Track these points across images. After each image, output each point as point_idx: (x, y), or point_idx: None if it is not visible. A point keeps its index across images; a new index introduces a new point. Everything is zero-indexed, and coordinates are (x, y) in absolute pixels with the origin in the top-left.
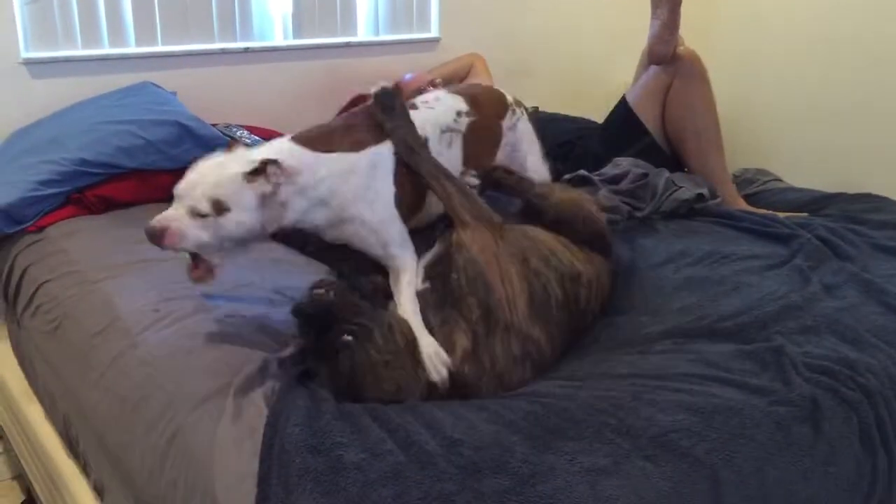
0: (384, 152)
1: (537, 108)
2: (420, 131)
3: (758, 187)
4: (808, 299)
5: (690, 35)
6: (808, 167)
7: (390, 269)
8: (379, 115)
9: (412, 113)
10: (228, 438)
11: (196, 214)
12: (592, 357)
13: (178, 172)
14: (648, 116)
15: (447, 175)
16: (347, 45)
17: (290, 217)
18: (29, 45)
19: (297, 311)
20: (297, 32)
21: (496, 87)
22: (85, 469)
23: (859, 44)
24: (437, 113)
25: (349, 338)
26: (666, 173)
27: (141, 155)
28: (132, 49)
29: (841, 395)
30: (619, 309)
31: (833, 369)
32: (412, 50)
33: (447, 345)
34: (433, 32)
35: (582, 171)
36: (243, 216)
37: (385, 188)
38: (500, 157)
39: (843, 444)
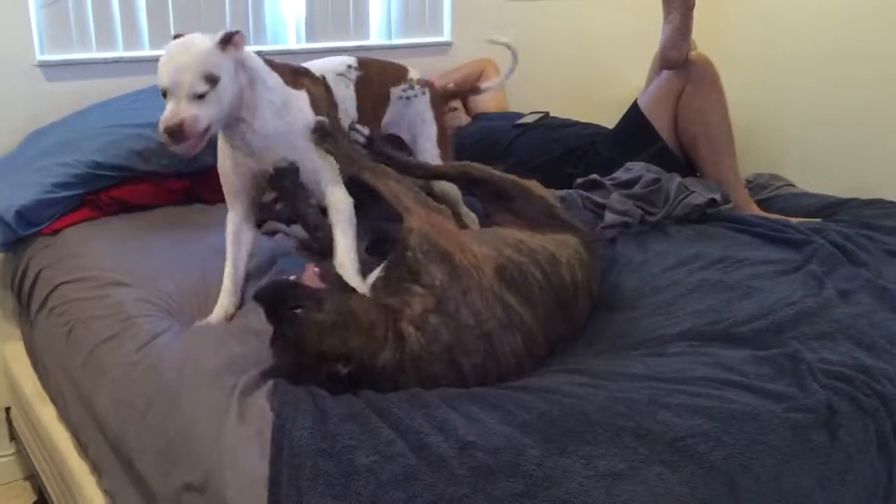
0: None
1: (548, 112)
2: (318, 73)
3: (770, 192)
4: (822, 305)
5: (702, 40)
6: (821, 172)
7: (328, 207)
8: (317, 139)
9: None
10: (235, 442)
11: (196, 96)
12: (608, 354)
13: (191, 176)
14: (660, 121)
15: (390, 175)
16: (360, 48)
17: (251, 106)
18: (44, 48)
19: (258, 297)
20: (311, 35)
21: (506, 92)
22: (97, 471)
23: (872, 48)
24: (332, 62)
25: (298, 310)
26: (678, 178)
27: (154, 158)
28: (146, 52)
29: (858, 402)
30: (633, 306)
31: (849, 376)
32: (424, 54)
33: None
34: (445, 36)
35: (594, 176)
36: (229, 82)
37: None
38: (398, 130)
39: (859, 451)
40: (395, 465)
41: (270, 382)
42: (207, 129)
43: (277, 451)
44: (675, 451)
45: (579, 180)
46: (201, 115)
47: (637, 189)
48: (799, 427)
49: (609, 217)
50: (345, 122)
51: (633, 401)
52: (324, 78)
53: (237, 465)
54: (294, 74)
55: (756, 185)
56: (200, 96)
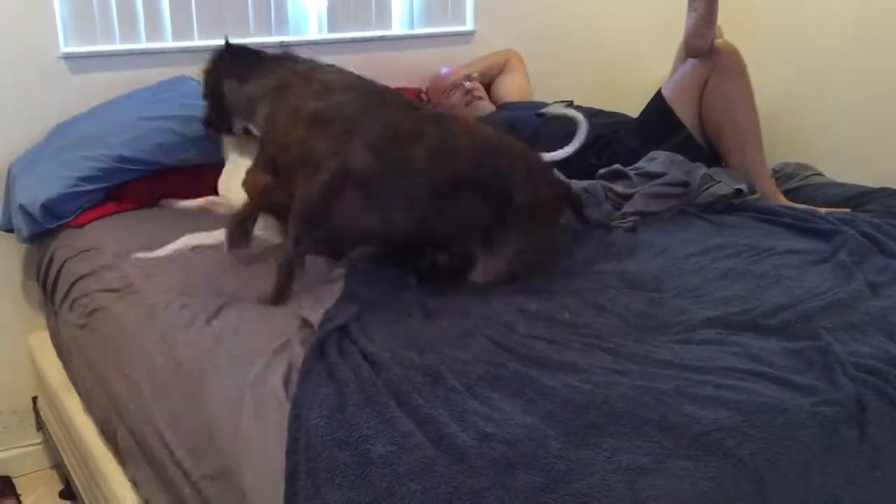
0: None
1: (572, 101)
2: None
3: (798, 182)
4: (853, 296)
5: (729, 27)
6: (850, 161)
7: None
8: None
9: None
10: (251, 433)
11: None
12: (635, 334)
13: (215, 168)
14: (685, 111)
15: None
16: (382, 38)
17: None
18: (68, 40)
19: None
20: (332, 26)
21: (531, 81)
22: (122, 461)
23: None
24: None
25: None
26: (703, 168)
27: (179, 152)
28: (169, 43)
29: (888, 397)
30: (657, 288)
31: (880, 369)
32: (447, 43)
33: None
34: (468, 26)
35: (617, 166)
36: None
37: None
38: None
39: (889, 448)
40: (413, 457)
41: (285, 366)
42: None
43: (294, 441)
44: (700, 446)
45: (602, 170)
46: None
47: (659, 187)
48: (828, 422)
49: (627, 208)
50: None
51: (658, 391)
52: None
53: (254, 456)
54: None
55: (783, 175)
56: None
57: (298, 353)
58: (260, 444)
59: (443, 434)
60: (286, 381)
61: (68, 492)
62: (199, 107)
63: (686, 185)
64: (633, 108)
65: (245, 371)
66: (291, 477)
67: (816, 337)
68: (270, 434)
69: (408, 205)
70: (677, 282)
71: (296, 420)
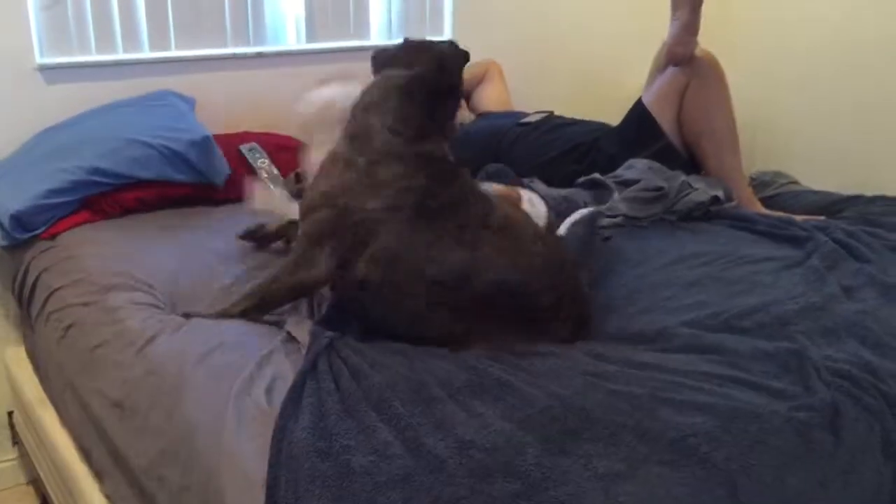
0: None
1: (552, 111)
2: None
3: (775, 190)
4: (826, 300)
5: (707, 36)
6: (826, 169)
7: None
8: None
9: None
10: (234, 444)
11: None
12: (611, 344)
13: (192, 185)
14: (664, 118)
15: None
16: (361, 48)
17: None
18: (44, 51)
19: None
20: (311, 36)
21: (510, 90)
22: (98, 475)
23: (878, 45)
24: None
25: None
26: (682, 176)
27: (155, 166)
28: (146, 54)
29: (863, 403)
30: (631, 302)
31: (855, 375)
32: None
33: None
34: (446, 35)
35: (595, 175)
36: None
37: None
38: None
39: (864, 452)
40: (392, 466)
41: (269, 378)
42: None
43: (277, 451)
44: (675, 451)
45: (581, 179)
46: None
47: (636, 192)
48: (802, 427)
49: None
50: None
51: (634, 396)
52: None
53: (236, 466)
54: None
55: (760, 183)
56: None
57: (284, 365)
58: (242, 455)
59: (421, 442)
60: (269, 393)
61: None
62: (177, 125)
63: (660, 188)
64: (613, 116)
65: (228, 383)
66: (272, 488)
67: (791, 340)
68: (252, 445)
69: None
70: (650, 295)
71: (280, 431)
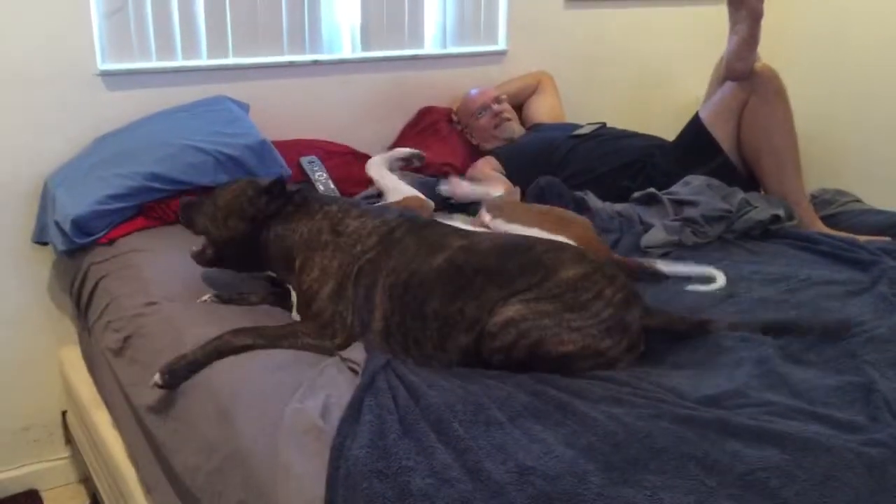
0: None
1: (605, 123)
2: None
3: (836, 208)
4: (894, 331)
5: (765, 50)
6: (890, 188)
7: None
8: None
9: None
10: (289, 462)
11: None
12: (671, 369)
13: None
14: (723, 134)
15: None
16: (415, 57)
17: None
18: (105, 57)
19: None
20: (366, 45)
21: (562, 102)
22: (147, 488)
23: None
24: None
25: None
26: (740, 193)
27: (210, 173)
28: (204, 61)
29: None
30: None
31: None
32: (479, 63)
33: None
34: (500, 45)
35: (651, 190)
36: None
37: None
38: None
39: None
40: (452, 490)
41: (323, 395)
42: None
43: (334, 470)
44: (744, 486)
45: (636, 194)
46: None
47: (695, 213)
48: (874, 463)
49: (654, 237)
50: None
51: (700, 425)
52: None
53: (292, 484)
54: None
55: (821, 201)
56: None
57: (337, 383)
58: (298, 473)
59: (481, 467)
60: (325, 410)
61: None
62: (233, 131)
63: (728, 211)
64: (666, 129)
65: (281, 400)
66: None
67: (859, 373)
68: (309, 463)
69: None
70: (711, 312)
71: (338, 449)
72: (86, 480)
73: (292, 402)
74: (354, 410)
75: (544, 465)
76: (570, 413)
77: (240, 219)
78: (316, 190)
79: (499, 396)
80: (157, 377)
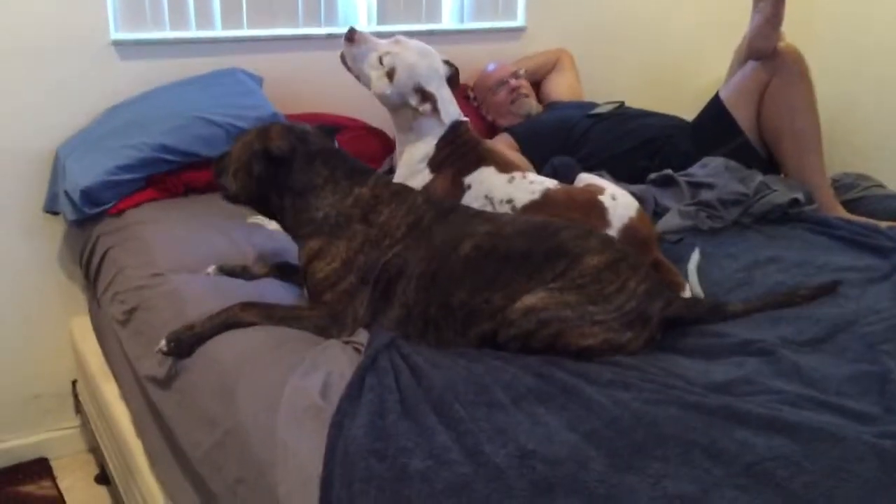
0: (420, 182)
1: (623, 102)
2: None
3: (857, 193)
4: None
5: (790, 29)
6: None
7: None
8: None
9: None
10: (288, 439)
11: (378, 60)
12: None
13: None
14: (743, 115)
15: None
16: (431, 32)
17: (398, 120)
18: (118, 26)
19: None
20: (382, 19)
21: (581, 79)
22: (151, 459)
23: None
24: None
25: None
26: (759, 175)
27: (220, 145)
28: (218, 32)
29: None
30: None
31: None
32: (497, 39)
33: None
34: (519, 21)
35: (668, 171)
36: (389, 93)
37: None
38: None
39: None
40: (450, 473)
41: (324, 373)
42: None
43: (332, 448)
44: (751, 476)
45: (653, 175)
46: (363, 58)
47: (712, 196)
48: (886, 456)
49: (669, 223)
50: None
51: (708, 412)
52: (468, 188)
53: (290, 461)
54: (448, 159)
55: (842, 185)
56: (380, 63)
57: (340, 361)
58: (296, 451)
59: (481, 449)
60: (325, 388)
61: (104, 476)
62: (245, 103)
63: (745, 195)
64: (687, 109)
65: (282, 376)
66: (326, 486)
67: (875, 362)
68: (307, 440)
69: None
70: (726, 298)
71: (337, 427)
72: (95, 450)
73: (293, 379)
74: (355, 389)
75: (546, 449)
76: (575, 397)
77: (247, 175)
78: None
79: (503, 378)
80: (162, 343)
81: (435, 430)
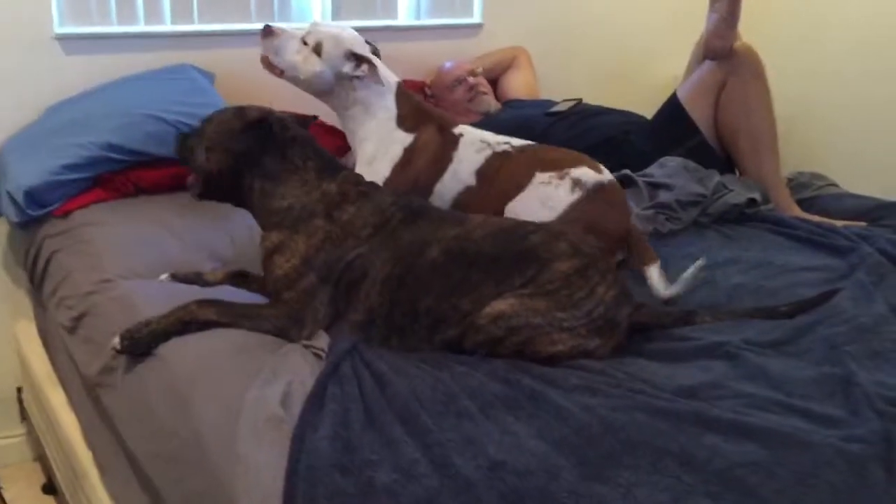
0: (400, 146)
1: (581, 100)
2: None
3: (812, 192)
4: (876, 321)
5: (746, 28)
6: (866, 172)
7: None
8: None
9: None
10: (248, 452)
11: (302, 42)
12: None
13: None
14: (700, 114)
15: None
16: (387, 28)
17: (339, 100)
18: (63, 20)
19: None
20: (336, 14)
21: (538, 77)
22: (102, 469)
23: None
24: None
25: None
26: (716, 175)
27: (171, 144)
28: (168, 27)
29: None
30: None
31: None
32: (454, 35)
33: None
34: (476, 18)
35: (626, 172)
36: (321, 69)
37: (383, 165)
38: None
39: None
40: (418, 487)
41: (284, 382)
42: (279, 71)
43: (294, 462)
44: (722, 483)
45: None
46: (286, 46)
47: (670, 198)
48: (855, 459)
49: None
50: (453, 185)
51: (677, 418)
52: (461, 136)
53: (250, 476)
54: (420, 117)
55: (797, 184)
56: (304, 44)
57: (301, 369)
58: (256, 464)
59: (449, 462)
60: (285, 398)
61: (51, 486)
62: (196, 100)
63: (702, 195)
64: (643, 106)
65: (240, 386)
66: (288, 501)
67: (838, 364)
68: (268, 454)
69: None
70: (686, 299)
71: (299, 440)
72: (41, 459)
73: (252, 388)
74: (317, 399)
75: (515, 459)
76: (543, 403)
77: (224, 152)
78: None
79: (470, 385)
80: (115, 341)
81: (401, 441)
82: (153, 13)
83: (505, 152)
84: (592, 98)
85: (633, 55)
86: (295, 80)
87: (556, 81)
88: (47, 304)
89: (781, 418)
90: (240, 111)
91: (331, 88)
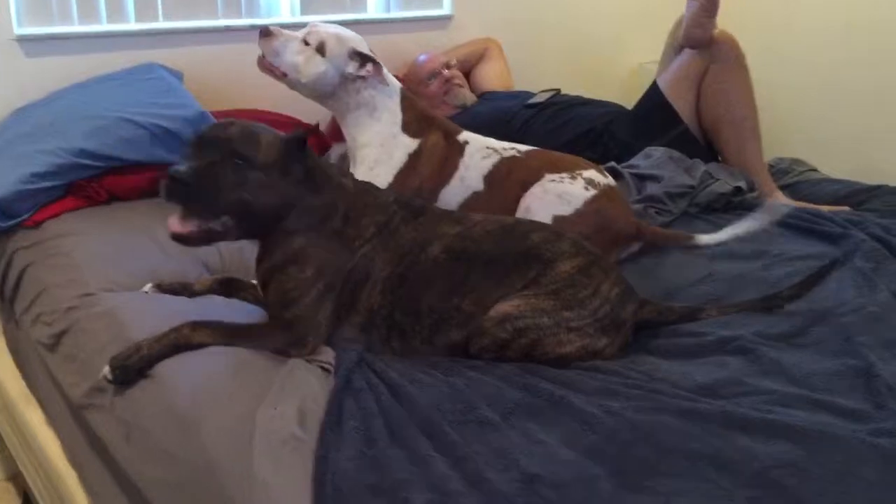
0: (404, 152)
1: (559, 90)
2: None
3: (793, 178)
4: (883, 309)
5: (722, 16)
6: (841, 155)
7: None
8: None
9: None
10: (267, 477)
11: (303, 43)
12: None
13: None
14: (682, 103)
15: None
16: (357, 21)
17: (342, 103)
18: (22, 21)
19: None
20: (305, 9)
21: (511, 68)
22: (93, 494)
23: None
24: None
25: None
26: (702, 165)
27: (146, 148)
28: (132, 25)
29: None
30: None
31: None
32: (424, 28)
33: None
34: (445, 10)
35: (612, 164)
36: (325, 69)
37: (386, 170)
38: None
39: None
40: None
41: (298, 399)
42: (280, 73)
43: (321, 486)
44: (761, 486)
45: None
46: (286, 48)
47: (658, 190)
48: (889, 455)
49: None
50: (459, 191)
51: (703, 419)
52: (466, 143)
53: (272, 501)
54: (425, 122)
55: (778, 171)
56: (306, 44)
57: (310, 384)
58: (277, 490)
59: (483, 477)
60: (301, 416)
61: None
62: (167, 101)
63: (691, 187)
64: (614, 93)
65: (249, 404)
66: None
67: (856, 356)
68: (289, 478)
69: None
70: (688, 294)
71: (322, 462)
72: (15, 477)
73: (263, 407)
74: (335, 415)
75: (549, 471)
76: (566, 408)
77: (282, 177)
78: None
79: (487, 392)
80: (106, 370)
81: (429, 457)
82: (116, 12)
83: (513, 157)
84: (567, 87)
85: (601, 43)
86: (296, 83)
87: (527, 72)
88: (20, 320)
89: (808, 414)
90: (275, 133)
91: (334, 90)
